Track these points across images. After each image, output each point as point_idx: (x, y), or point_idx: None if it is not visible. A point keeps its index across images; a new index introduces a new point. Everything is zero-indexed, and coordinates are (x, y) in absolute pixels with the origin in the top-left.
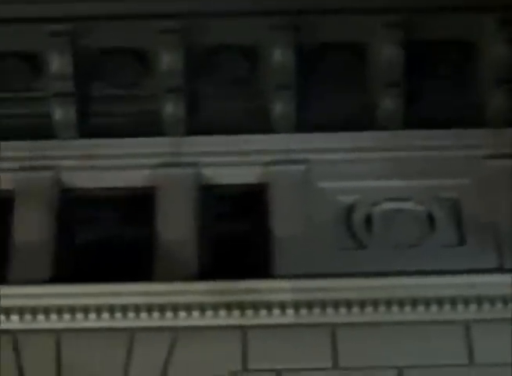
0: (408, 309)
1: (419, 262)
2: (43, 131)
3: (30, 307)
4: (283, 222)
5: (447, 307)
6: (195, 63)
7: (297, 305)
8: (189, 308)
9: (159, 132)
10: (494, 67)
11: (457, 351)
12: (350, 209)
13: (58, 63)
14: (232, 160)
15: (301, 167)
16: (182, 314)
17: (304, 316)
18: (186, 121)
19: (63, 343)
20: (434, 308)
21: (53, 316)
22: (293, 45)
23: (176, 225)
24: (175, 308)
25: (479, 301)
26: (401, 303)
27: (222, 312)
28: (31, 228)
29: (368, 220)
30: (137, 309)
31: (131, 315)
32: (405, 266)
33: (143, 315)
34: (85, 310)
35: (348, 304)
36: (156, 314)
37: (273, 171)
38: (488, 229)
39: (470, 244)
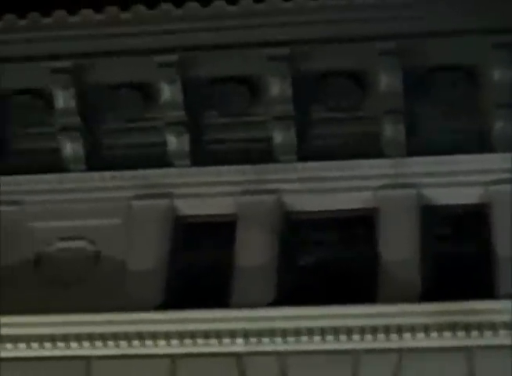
0: None
1: None
2: (264, 154)
3: (255, 330)
4: (506, 243)
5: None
6: (413, 85)
7: None
8: (413, 329)
9: (378, 154)
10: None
11: None
12: None
13: (277, 87)
14: (452, 180)
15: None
16: (407, 335)
17: None
18: (406, 143)
19: (288, 365)
20: None
21: (278, 339)
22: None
23: (398, 246)
24: (400, 329)
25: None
26: None
27: (447, 334)
28: (254, 251)
29: None
30: (362, 331)
31: (355, 337)
32: None
33: (368, 337)
34: (310, 332)
35: None
36: (381, 336)
37: (493, 190)
38: None
39: None
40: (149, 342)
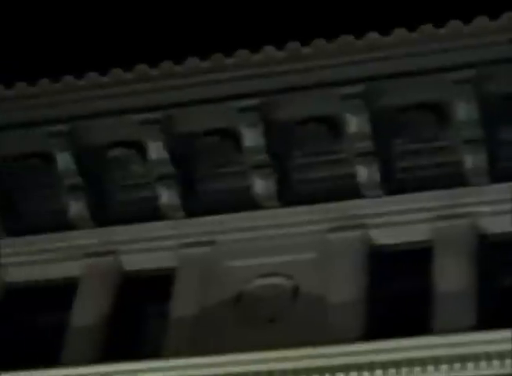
0: None
1: None
2: (457, 179)
3: (459, 356)
4: None
5: None
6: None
7: None
8: None
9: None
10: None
11: None
12: None
13: (463, 111)
14: None
15: None
16: None
17: None
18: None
19: None
20: None
21: (482, 364)
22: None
23: None
24: None
25: None
26: None
27: None
28: (452, 276)
29: None
30: None
31: None
32: None
33: None
34: None
35: None
36: None
37: None
38: None
39: None
40: (353, 374)
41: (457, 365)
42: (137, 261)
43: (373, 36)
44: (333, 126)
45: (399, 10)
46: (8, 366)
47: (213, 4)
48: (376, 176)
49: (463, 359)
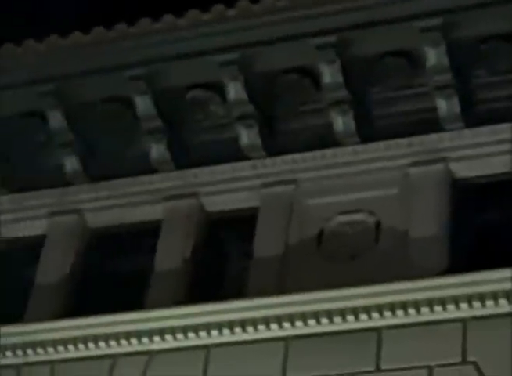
0: None
1: None
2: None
3: None
4: None
5: None
6: None
7: None
8: None
9: None
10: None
11: None
12: None
13: None
14: None
15: None
16: None
17: None
18: None
19: None
20: None
21: None
22: None
23: None
24: None
25: None
26: None
27: None
28: None
29: None
30: None
31: None
32: None
33: None
34: None
35: None
36: None
37: None
38: None
39: None
40: (438, 308)
41: None
42: (218, 202)
43: None
44: (411, 60)
45: None
46: (95, 312)
47: None
48: (457, 109)
49: None
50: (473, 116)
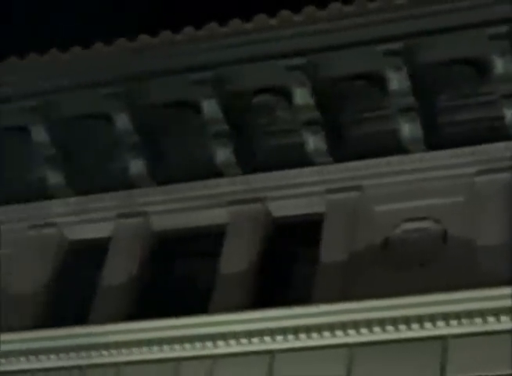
0: None
1: None
2: None
3: None
4: None
5: None
6: None
7: None
8: None
9: None
10: None
11: None
12: None
13: None
14: None
15: None
16: None
17: None
18: None
19: None
20: None
21: None
22: None
23: None
24: None
25: None
26: None
27: None
28: None
29: None
30: None
31: None
32: None
33: None
34: None
35: None
36: None
37: None
38: None
39: None
40: (504, 318)
41: None
42: (284, 207)
43: None
44: (478, 68)
45: None
46: (159, 315)
47: None
48: None
49: None
50: None
